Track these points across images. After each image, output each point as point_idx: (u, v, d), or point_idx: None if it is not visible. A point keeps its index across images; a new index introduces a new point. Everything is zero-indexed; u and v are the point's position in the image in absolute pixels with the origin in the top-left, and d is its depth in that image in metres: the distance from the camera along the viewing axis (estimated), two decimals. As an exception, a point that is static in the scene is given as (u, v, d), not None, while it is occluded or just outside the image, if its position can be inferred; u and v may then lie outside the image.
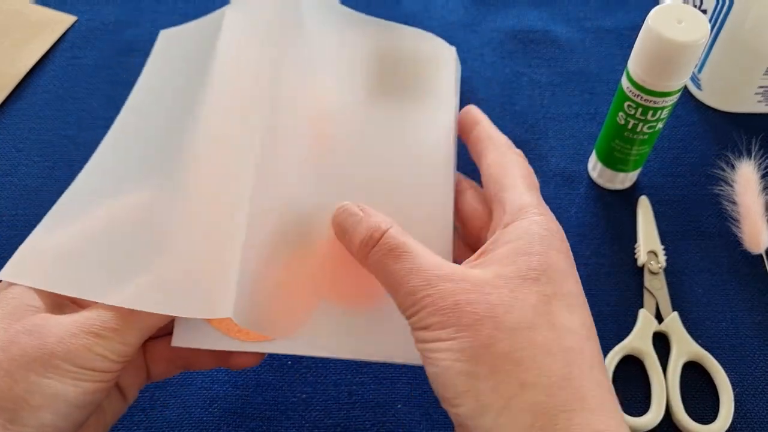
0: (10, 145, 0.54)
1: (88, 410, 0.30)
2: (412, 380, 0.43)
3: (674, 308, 0.45)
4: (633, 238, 0.49)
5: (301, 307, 0.33)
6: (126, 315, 0.30)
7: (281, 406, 0.42)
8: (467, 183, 0.37)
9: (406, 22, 0.41)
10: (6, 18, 0.61)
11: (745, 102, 0.55)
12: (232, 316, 0.29)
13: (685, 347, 0.43)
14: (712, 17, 0.51)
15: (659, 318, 0.45)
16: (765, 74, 0.52)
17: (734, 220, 0.49)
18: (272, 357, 0.43)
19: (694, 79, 0.56)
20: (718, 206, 0.50)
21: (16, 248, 0.33)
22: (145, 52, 0.60)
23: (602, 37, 0.61)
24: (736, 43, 0.50)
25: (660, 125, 0.45)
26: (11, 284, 0.31)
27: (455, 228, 0.35)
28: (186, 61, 0.40)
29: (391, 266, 0.29)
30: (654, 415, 0.41)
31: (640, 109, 0.44)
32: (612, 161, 0.49)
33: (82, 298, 0.31)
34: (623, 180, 0.51)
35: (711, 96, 0.56)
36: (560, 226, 0.31)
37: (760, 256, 0.48)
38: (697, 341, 0.44)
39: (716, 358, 0.43)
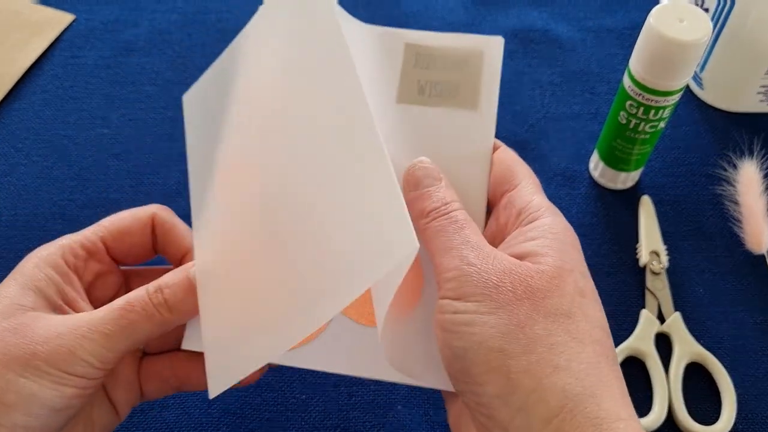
0: (9, 145, 0.53)
1: (64, 415, 0.30)
2: (412, 381, 0.43)
3: (676, 309, 0.45)
4: (635, 238, 0.49)
5: None
6: (117, 320, 0.30)
7: (281, 407, 0.42)
8: None
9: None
10: (5, 17, 0.61)
11: (747, 101, 0.55)
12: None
13: (687, 348, 0.43)
14: (713, 16, 0.50)
15: (661, 318, 0.45)
16: (767, 73, 0.52)
17: (736, 220, 0.49)
18: (272, 358, 0.43)
19: (696, 79, 0.56)
20: (720, 206, 0.50)
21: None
22: (145, 51, 0.61)
23: (603, 36, 0.61)
24: (737, 42, 0.50)
25: (662, 124, 0.45)
26: (5, 284, 0.31)
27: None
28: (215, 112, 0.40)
29: (450, 235, 0.30)
30: (656, 416, 0.41)
31: (641, 109, 0.44)
32: (613, 161, 0.49)
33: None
34: (625, 180, 0.51)
35: (713, 95, 0.56)
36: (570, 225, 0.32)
37: (762, 256, 0.48)
38: (699, 342, 0.44)
39: (718, 358, 0.43)
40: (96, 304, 0.34)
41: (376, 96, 0.35)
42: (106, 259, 0.35)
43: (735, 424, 0.41)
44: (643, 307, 0.45)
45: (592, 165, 0.52)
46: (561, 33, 0.61)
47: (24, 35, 0.60)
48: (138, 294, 0.31)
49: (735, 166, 0.50)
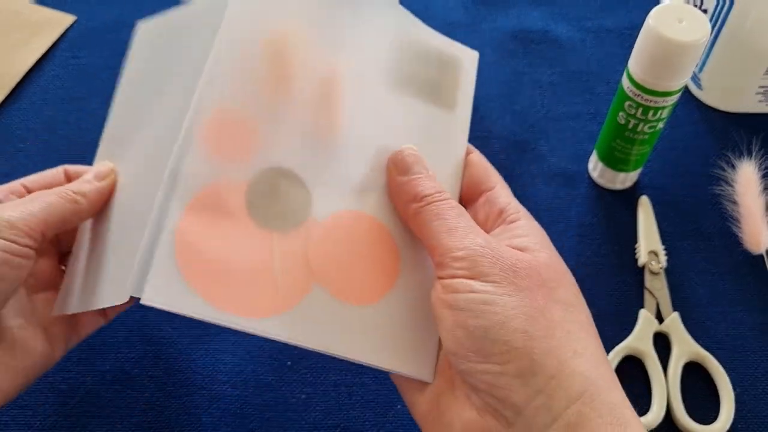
0: (10, 145, 0.54)
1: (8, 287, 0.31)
2: (412, 380, 0.43)
3: (675, 308, 0.45)
4: (633, 239, 0.49)
5: (290, 287, 0.31)
6: (36, 197, 0.33)
7: (281, 407, 0.42)
8: None
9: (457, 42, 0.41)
10: (6, 18, 0.61)
11: (745, 102, 0.55)
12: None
13: (685, 347, 0.43)
14: (712, 17, 0.51)
15: (660, 318, 0.45)
16: (765, 74, 0.52)
17: (735, 220, 0.49)
18: (272, 357, 0.43)
19: (695, 79, 0.56)
20: (718, 206, 0.50)
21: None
22: (145, 52, 0.60)
23: (602, 36, 0.61)
24: (736, 42, 0.50)
25: (660, 125, 0.45)
26: None
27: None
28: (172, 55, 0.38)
29: (454, 217, 0.30)
30: (655, 416, 0.41)
31: (640, 109, 0.44)
32: (613, 161, 0.49)
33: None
34: (624, 180, 0.51)
35: (712, 96, 0.56)
36: None
37: (761, 256, 0.48)
38: (697, 341, 0.44)
39: (717, 358, 0.43)
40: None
41: (370, 72, 0.36)
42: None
43: (733, 423, 0.41)
44: (642, 306, 0.46)
45: (591, 165, 0.52)
46: (561, 33, 0.61)
47: (25, 36, 0.60)
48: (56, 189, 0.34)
49: (733, 167, 0.50)
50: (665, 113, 0.44)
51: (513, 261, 0.29)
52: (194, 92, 0.31)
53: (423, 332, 0.33)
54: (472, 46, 0.60)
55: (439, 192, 0.32)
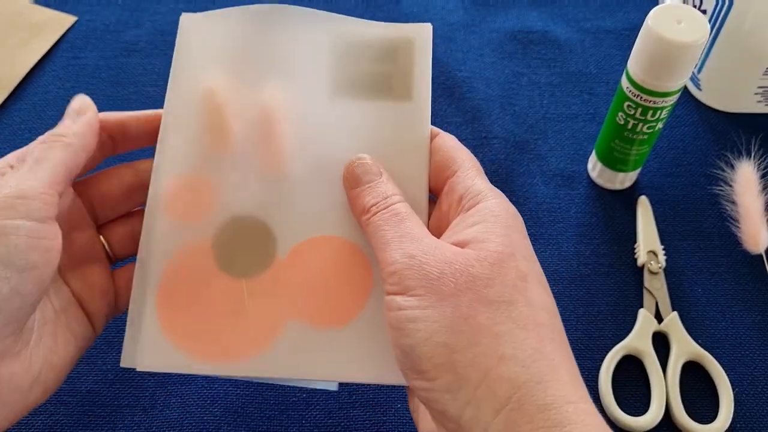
0: (11, 145, 0.54)
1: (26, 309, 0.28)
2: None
3: (674, 308, 0.45)
4: (633, 238, 0.49)
5: (263, 328, 0.33)
6: (43, 159, 0.29)
7: (282, 406, 0.42)
8: None
9: (406, 23, 0.41)
10: (6, 18, 0.61)
11: (744, 102, 0.55)
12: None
13: (684, 347, 0.44)
14: (711, 17, 0.51)
15: (659, 318, 0.45)
16: (764, 74, 0.52)
17: (734, 220, 0.49)
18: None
19: (694, 80, 0.56)
20: (717, 206, 0.51)
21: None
22: (146, 52, 0.61)
23: (601, 37, 0.61)
24: (735, 43, 0.51)
25: (659, 125, 0.45)
26: None
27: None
28: None
29: (390, 228, 0.30)
30: (654, 415, 0.41)
31: (639, 109, 0.44)
32: (612, 161, 0.49)
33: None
34: (623, 180, 0.51)
35: (710, 96, 0.56)
36: (515, 208, 0.32)
37: (760, 256, 0.48)
38: (696, 341, 0.44)
39: (716, 357, 0.43)
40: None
41: (308, 91, 0.35)
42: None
43: (732, 422, 0.41)
44: (641, 306, 0.46)
45: (590, 165, 0.52)
46: (560, 34, 0.61)
47: (26, 36, 0.60)
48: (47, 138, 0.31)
49: (732, 167, 0.50)
50: (664, 114, 0.44)
51: (441, 266, 0.28)
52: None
53: None
54: (472, 47, 0.60)
55: (386, 198, 0.31)
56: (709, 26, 0.40)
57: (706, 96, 0.56)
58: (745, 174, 0.49)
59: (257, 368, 0.32)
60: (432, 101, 0.36)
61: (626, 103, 0.44)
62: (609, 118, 0.47)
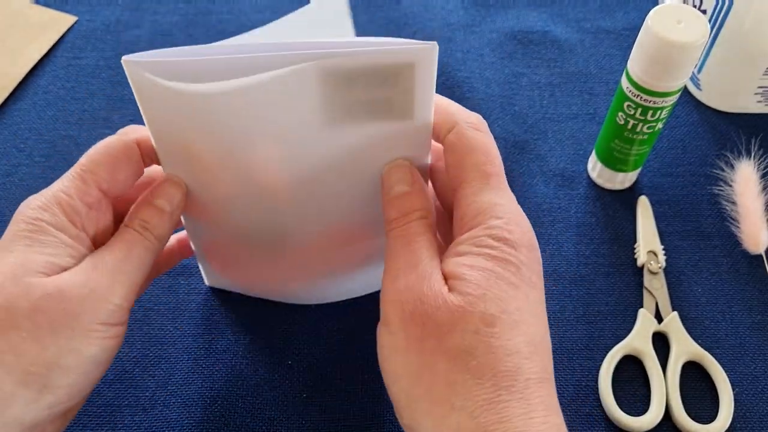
0: (11, 146, 0.54)
1: (105, 368, 0.32)
2: (412, 380, 0.43)
3: (674, 308, 0.45)
4: (632, 238, 0.49)
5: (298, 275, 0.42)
6: (127, 259, 0.31)
7: (282, 406, 0.42)
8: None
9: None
10: (7, 18, 0.61)
11: (744, 102, 0.55)
12: None
13: (684, 347, 0.44)
14: (711, 17, 0.51)
15: (659, 318, 0.45)
16: (764, 74, 0.52)
17: (734, 220, 0.49)
18: (272, 357, 0.44)
19: (694, 80, 0.56)
20: (717, 206, 0.51)
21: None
22: (146, 52, 0.60)
23: (601, 37, 0.61)
24: (735, 43, 0.51)
25: (659, 125, 0.45)
26: (7, 249, 0.30)
27: None
28: None
29: (399, 249, 0.31)
30: (654, 415, 0.41)
31: (639, 110, 0.44)
32: (612, 161, 0.49)
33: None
34: (623, 180, 0.51)
35: (710, 96, 0.56)
36: (523, 223, 0.31)
37: (760, 256, 0.48)
38: (696, 341, 0.44)
39: (716, 357, 0.43)
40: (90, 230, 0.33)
41: (299, 125, 0.32)
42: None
43: (732, 422, 0.41)
44: (641, 306, 0.46)
45: (590, 165, 0.52)
46: (559, 34, 0.61)
47: (26, 36, 0.60)
48: (129, 233, 0.32)
49: (732, 167, 0.51)
50: (664, 114, 0.44)
51: (415, 305, 0.28)
52: None
53: None
54: (472, 47, 0.60)
55: (405, 215, 0.31)
56: (709, 26, 0.40)
57: (706, 96, 0.56)
58: (745, 174, 0.49)
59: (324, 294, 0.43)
60: (432, 101, 0.35)
61: (626, 103, 0.44)
62: (609, 118, 0.47)
